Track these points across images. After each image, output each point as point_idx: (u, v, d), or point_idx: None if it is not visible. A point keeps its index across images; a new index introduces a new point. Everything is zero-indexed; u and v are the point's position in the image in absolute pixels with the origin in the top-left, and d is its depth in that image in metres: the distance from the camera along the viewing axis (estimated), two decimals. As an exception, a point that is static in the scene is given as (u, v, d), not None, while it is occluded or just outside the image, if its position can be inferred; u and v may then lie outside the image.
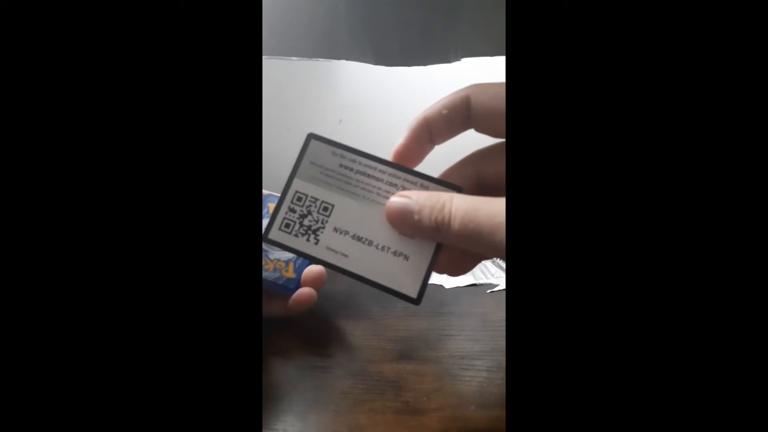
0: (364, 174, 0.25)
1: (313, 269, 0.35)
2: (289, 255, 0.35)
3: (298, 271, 0.35)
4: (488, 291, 0.39)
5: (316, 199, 0.25)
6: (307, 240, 0.25)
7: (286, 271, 0.35)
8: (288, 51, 0.44)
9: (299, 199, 0.25)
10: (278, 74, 0.56)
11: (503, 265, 0.43)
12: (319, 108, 0.59)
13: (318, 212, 0.25)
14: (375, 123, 0.58)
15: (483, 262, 0.43)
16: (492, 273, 0.42)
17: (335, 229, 0.25)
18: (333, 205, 0.25)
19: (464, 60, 0.45)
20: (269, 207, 0.38)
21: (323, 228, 0.25)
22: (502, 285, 0.40)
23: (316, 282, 0.35)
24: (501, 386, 0.28)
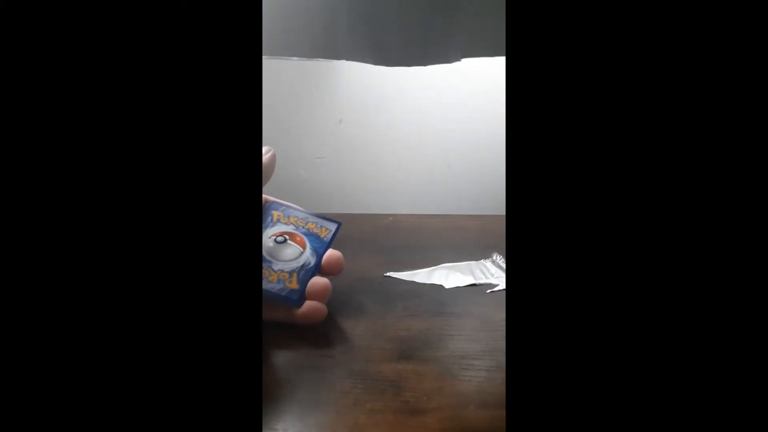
0: None
1: (319, 281, 0.35)
2: (293, 266, 0.36)
3: (302, 281, 0.35)
4: (488, 291, 0.39)
5: None
6: None
7: (290, 282, 0.35)
8: (288, 51, 0.44)
9: None
10: (278, 74, 0.56)
11: (503, 265, 0.43)
12: (320, 108, 0.59)
13: None
14: (375, 123, 0.58)
15: (482, 262, 0.43)
16: (492, 273, 0.42)
17: None
18: None
19: (464, 60, 0.45)
20: (273, 215, 0.38)
21: None
22: (502, 285, 0.40)
23: (322, 295, 0.35)
24: (501, 386, 0.28)
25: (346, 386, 0.29)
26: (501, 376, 0.29)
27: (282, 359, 0.31)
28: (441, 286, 0.40)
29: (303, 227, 0.38)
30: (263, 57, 0.41)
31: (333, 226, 0.39)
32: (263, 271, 0.35)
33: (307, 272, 0.36)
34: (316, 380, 0.29)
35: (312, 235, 0.38)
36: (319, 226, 0.39)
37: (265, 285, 0.34)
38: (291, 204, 0.40)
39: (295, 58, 0.44)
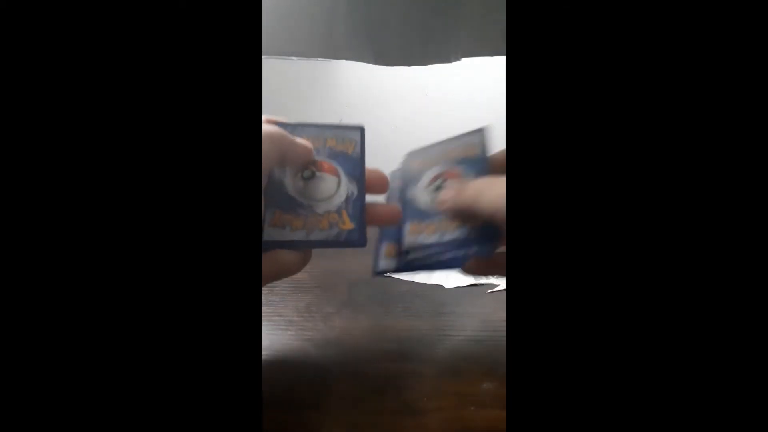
0: None
1: (376, 208, 0.30)
2: (337, 202, 0.29)
3: (355, 217, 0.29)
4: (488, 291, 0.39)
5: None
6: None
7: (343, 223, 0.29)
8: (288, 51, 0.44)
9: None
10: (278, 74, 0.56)
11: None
12: (319, 107, 0.59)
13: None
14: (375, 123, 0.58)
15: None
16: (492, 273, 0.42)
17: None
18: None
19: (464, 60, 0.45)
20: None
21: None
22: (503, 285, 0.40)
23: (389, 217, 0.30)
24: (501, 386, 0.28)
25: (346, 386, 0.29)
26: (501, 375, 0.29)
27: (281, 359, 0.31)
28: (441, 286, 0.40)
29: (323, 147, 0.30)
30: (263, 57, 0.41)
31: (356, 135, 0.31)
32: (307, 219, 0.28)
33: (355, 205, 0.29)
34: (316, 380, 0.29)
35: (339, 156, 0.30)
36: (340, 139, 0.31)
37: (317, 235, 0.28)
38: (291, 121, 0.31)
39: (295, 58, 0.44)
